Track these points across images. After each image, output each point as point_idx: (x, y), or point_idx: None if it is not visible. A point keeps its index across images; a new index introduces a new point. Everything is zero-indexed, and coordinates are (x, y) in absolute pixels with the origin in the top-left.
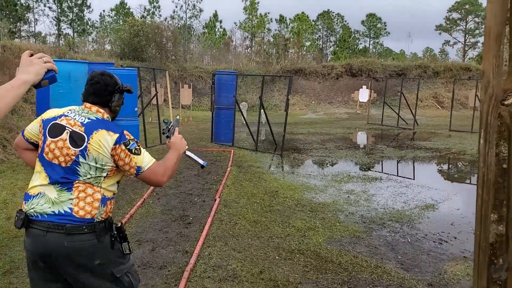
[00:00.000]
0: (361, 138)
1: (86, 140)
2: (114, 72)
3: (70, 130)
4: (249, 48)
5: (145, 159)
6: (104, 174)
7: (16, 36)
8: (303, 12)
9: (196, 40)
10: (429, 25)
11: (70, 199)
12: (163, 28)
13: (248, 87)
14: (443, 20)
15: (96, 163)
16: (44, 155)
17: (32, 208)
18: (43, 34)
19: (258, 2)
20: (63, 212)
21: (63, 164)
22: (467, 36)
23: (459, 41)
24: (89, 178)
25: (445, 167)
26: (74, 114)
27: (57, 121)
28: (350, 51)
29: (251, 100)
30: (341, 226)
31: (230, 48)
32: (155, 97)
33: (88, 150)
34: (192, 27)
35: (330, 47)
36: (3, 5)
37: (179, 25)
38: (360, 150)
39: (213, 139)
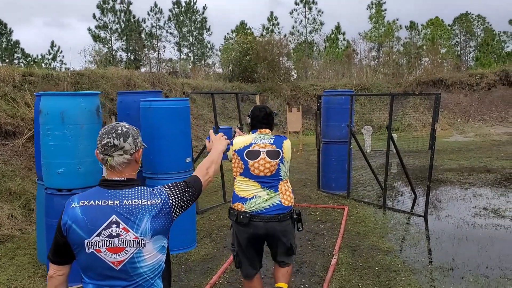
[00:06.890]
0: None
1: (281, 152)
2: (155, 104)
3: (265, 150)
4: (376, 60)
5: None
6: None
7: (141, 63)
8: (436, 17)
9: (318, 55)
10: None
11: (277, 194)
12: (274, 44)
13: (373, 103)
14: None
15: (288, 163)
16: (252, 172)
17: (253, 207)
18: (173, 59)
19: (385, 10)
20: (276, 204)
21: (268, 174)
22: None
23: None
24: (285, 177)
25: None
26: (260, 140)
27: (250, 149)
28: (495, 55)
29: (378, 119)
30: None
31: (353, 60)
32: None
33: (284, 157)
34: (314, 42)
35: (470, 53)
36: (128, 33)
37: (299, 41)
38: None
39: (320, 186)
